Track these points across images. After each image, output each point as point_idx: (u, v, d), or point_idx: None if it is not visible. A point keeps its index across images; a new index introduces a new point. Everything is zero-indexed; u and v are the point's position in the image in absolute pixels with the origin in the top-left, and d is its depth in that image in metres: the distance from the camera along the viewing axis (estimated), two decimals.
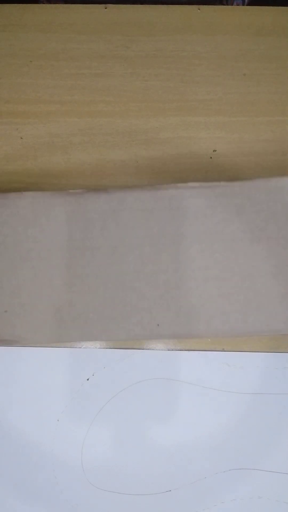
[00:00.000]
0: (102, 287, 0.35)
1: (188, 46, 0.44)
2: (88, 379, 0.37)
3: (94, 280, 0.35)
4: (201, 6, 0.46)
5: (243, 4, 0.56)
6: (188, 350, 0.37)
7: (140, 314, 0.34)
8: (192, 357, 0.37)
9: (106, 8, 0.45)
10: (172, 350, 0.38)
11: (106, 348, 0.38)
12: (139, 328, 0.34)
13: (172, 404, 0.37)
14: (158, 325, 0.34)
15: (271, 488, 0.36)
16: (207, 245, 0.35)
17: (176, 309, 0.34)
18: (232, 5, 0.56)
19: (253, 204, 0.34)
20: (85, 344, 0.38)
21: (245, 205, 0.35)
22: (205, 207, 0.35)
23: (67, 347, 0.37)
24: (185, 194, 0.35)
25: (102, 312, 0.34)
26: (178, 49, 0.44)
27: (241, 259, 0.34)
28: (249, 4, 0.51)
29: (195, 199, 0.35)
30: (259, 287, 0.34)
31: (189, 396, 0.37)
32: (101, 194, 0.35)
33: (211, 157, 0.42)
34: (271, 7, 0.46)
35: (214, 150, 0.42)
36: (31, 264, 0.35)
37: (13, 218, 0.35)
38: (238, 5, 0.56)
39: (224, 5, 0.52)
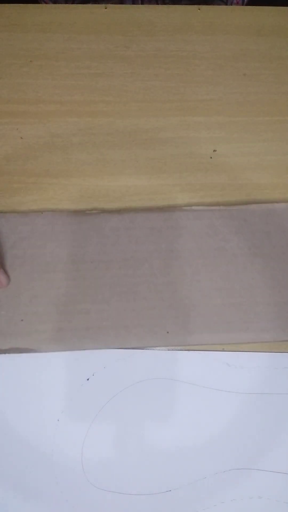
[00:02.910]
0: (115, 297, 0.37)
1: (188, 46, 0.44)
2: (88, 379, 0.37)
3: (107, 291, 0.38)
4: (201, 6, 0.46)
5: (243, 4, 0.56)
6: (188, 350, 0.37)
7: (151, 323, 0.37)
8: (192, 357, 0.37)
9: (106, 8, 0.45)
10: (172, 350, 0.38)
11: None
12: (150, 335, 0.37)
13: (172, 404, 0.37)
14: (167, 332, 0.37)
15: (271, 488, 0.36)
16: (210, 260, 0.39)
17: (184, 317, 0.37)
18: (232, 5, 0.56)
19: (249, 225, 0.40)
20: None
21: (242, 226, 0.39)
22: (207, 227, 0.39)
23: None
24: (189, 215, 0.40)
25: (115, 321, 0.37)
26: (178, 49, 0.44)
27: (241, 272, 0.38)
28: (249, 4, 0.51)
29: (198, 220, 0.40)
30: (258, 297, 0.38)
31: (189, 396, 0.37)
32: (114, 214, 0.40)
33: (211, 157, 0.42)
34: (271, 7, 0.46)
35: (214, 150, 0.42)
36: (47, 276, 0.38)
37: (33, 235, 0.39)
38: (238, 5, 0.56)
39: (224, 5, 0.52)
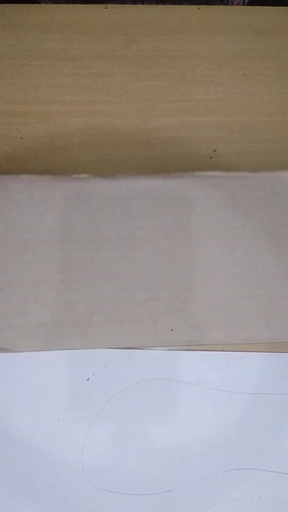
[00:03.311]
0: (108, 286, 0.31)
1: (188, 46, 0.44)
2: (88, 379, 0.37)
3: (99, 277, 0.31)
4: (201, 6, 0.46)
5: (243, 4, 0.56)
6: (188, 350, 0.37)
7: (152, 318, 0.31)
8: (192, 357, 0.37)
9: (106, 8, 0.45)
10: (172, 350, 0.38)
11: (106, 348, 0.38)
12: (151, 333, 0.31)
13: (172, 404, 0.37)
14: (172, 329, 0.31)
15: (271, 488, 0.36)
16: (227, 241, 0.31)
17: (193, 312, 0.31)
18: (232, 5, 0.56)
19: (278, 198, 0.32)
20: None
21: (268, 198, 0.32)
22: (225, 199, 0.31)
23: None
24: (203, 184, 0.32)
25: (108, 315, 0.31)
26: (178, 49, 0.44)
27: (265, 257, 0.31)
28: (249, 4, 0.51)
29: (214, 190, 0.32)
30: (283, 288, 0.31)
31: (189, 396, 0.37)
32: (110, 180, 0.32)
33: (211, 157, 0.42)
34: (271, 7, 0.46)
35: (214, 150, 0.42)
36: (25, 258, 0.31)
37: (6, 204, 0.31)
38: (238, 5, 0.56)
39: (224, 5, 0.52)
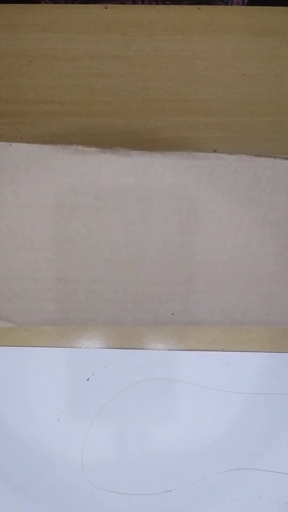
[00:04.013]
0: (113, 266, 0.29)
1: (188, 46, 0.44)
2: (88, 379, 0.37)
3: (104, 258, 0.29)
4: (201, 6, 0.46)
5: (243, 4, 0.56)
6: (188, 350, 0.37)
7: (154, 299, 0.30)
8: (192, 357, 0.37)
9: (106, 8, 0.45)
10: (172, 350, 0.38)
11: (106, 348, 0.38)
12: (150, 316, 0.30)
13: (172, 404, 0.37)
14: (172, 314, 0.30)
15: (271, 488, 0.36)
16: (241, 217, 0.29)
17: (195, 295, 0.29)
18: (232, 5, 0.56)
19: None
20: (85, 344, 0.38)
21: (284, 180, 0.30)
22: (250, 180, 0.29)
23: (67, 347, 0.37)
24: (229, 167, 0.30)
25: (111, 293, 0.29)
26: (178, 49, 0.44)
27: (268, 243, 0.30)
28: (249, 4, 0.51)
29: (239, 174, 0.30)
30: (285, 276, 0.30)
31: (189, 396, 0.37)
32: (121, 156, 0.29)
33: None
34: (271, 7, 0.46)
35: (214, 150, 0.42)
36: (23, 223, 0.28)
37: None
38: (238, 5, 0.56)
39: (224, 5, 0.52)
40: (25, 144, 0.29)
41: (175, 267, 0.30)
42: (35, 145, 0.30)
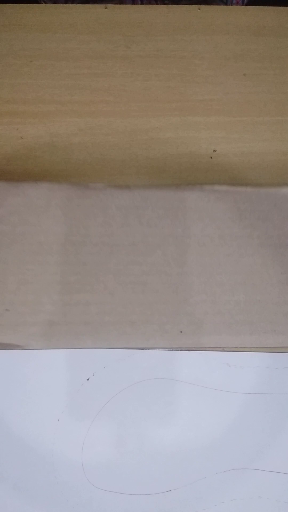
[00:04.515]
0: (120, 288, 0.32)
1: (188, 46, 0.44)
2: (88, 379, 0.37)
3: (111, 280, 0.32)
4: (201, 6, 0.46)
5: (243, 4, 0.56)
6: (188, 350, 0.37)
7: (162, 320, 0.32)
8: (192, 357, 0.37)
9: (106, 8, 0.45)
10: (172, 350, 0.38)
11: (106, 348, 0.38)
12: (160, 334, 0.32)
13: (172, 404, 0.37)
14: (181, 331, 0.32)
15: (271, 488, 0.36)
16: (234, 249, 0.33)
17: (201, 315, 0.32)
18: (232, 5, 0.56)
19: (280, 211, 0.34)
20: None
21: (272, 211, 0.34)
22: (231, 211, 0.34)
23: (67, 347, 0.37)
24: (211, 196, 0.34)
25: (119, 316, 0.32)
26: (178, 49, 0.44)
27: (269, 265, 0.33)
28: (249, 4, 0.51)
29: (221, 203, 0.34)
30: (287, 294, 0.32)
31: (189, 396, 0.37)
32: (124, 190, 0.33)
33: (211, 157, 0.42)
34: (271, 7, 0.46)
35: (214, 150, 0.42)
36: (41, 259, 0.32)
37: (25, 209, 0.33)
38: (238, 5, 0.56)
39: (224, 5, 0.52)
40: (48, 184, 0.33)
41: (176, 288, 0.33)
42: (56, 185, 0.33)
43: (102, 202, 0.33)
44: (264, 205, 0.34)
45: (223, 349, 0.37)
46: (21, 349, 0.32)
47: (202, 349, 0.36)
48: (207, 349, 0.37)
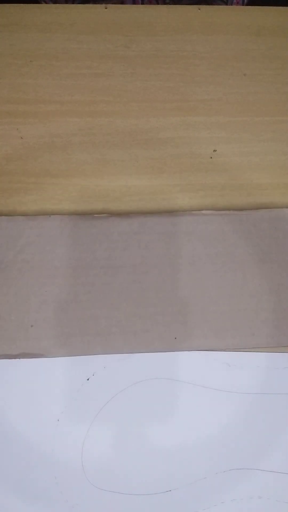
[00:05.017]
0: (124, 303, 0.37)
1: (188, 46, 0.44)
2: (88, 379, 0.37)
3: (116, 297, 0.37)
4: (201, 6, 0.46)
5: (243, 4, 0.56)
6: (188, 350, 0.37)
7: (159, 329, 0.37)
8: (192, 357, 0.37)
9: (106, 8, 0.45)
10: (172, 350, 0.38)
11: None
12: (158, 341, 0.37)
13: (172, 404, 0.37)
14: (175, 338, 0.37)
15: (271, 488, 0.36)
16: (219, 266, 0.38)
17: (192, 324, 0.37)
18: (232, 5, 0.56)
19: (258, 231, 0.39)
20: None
21: (251, 231, 0.39)
22: (216, 233, 0.39)
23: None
24: (199, 220, 0.39)
25: (123, 326, 0.37)
26: (178, 49, 0.44)
27: (249, 279, 0.38)
28: (249, 4, 0.51)
29: (208, 225, 0.39)
30: (265, 303, 0.38)
31: (189, 396, 0.37)
32: (124, 218, 0.39)
33: (211, 157, 0.42)
34: (271, 7, 0.46)
35: (214, 150, 0.42)
36: (57, 282, 0.38)
37: (41, 239, 0.38)
38: (238, 5, 0.56)
39: (224, 5, 0.52)
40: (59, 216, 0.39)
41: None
42: (66, 217, 0.39)
43: (106, 230, 0.39)
44: (245, 226, 0.39)
45: (223, 349, 0.37)
46: (43, 357, 0.36)
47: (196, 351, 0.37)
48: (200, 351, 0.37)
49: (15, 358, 0.36)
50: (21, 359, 0.36)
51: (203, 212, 0.39)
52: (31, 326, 0.37)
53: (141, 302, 0.37)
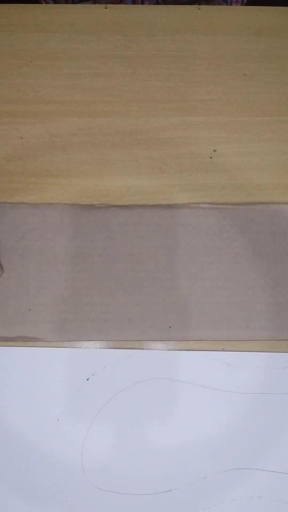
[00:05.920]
0: (121, 291, 0.38)
1: (188, 46, 0.44)
2: (88, 379, 0.37)
3: (113, 284, 0.38)
4: (201, 6, 0.46)
5: (242, 4, 0.56)
6: (188, 350, 0.37)
7: (154, 317, 0.37)
8: (192, 357, 0.37)
9: (106, 8, 0.45)
10: (172, 350, 0.38)
11: (106, 348, 0.38)
12: (153, 329, 0.37)
13: (172, 404, 0.37)
14: (170, 327, 0.37)
15: (271, 488, 0.36)
16: (215, 258, 0.39)
17: (187, 313, 0.38)
18: (232, 5, 0.56)
19: (255, 225, 0.40)
20: (85, 344, 0.38)
21: (248, 225, 0.39)
22: (214, 225, 0.39)
23: (67, 347, 0.37)
24: (196, 213, 0.40)
25: (119, 314, 0.37)
26: (178, 49, 0.44)
27: (245, 271, 0.39)
28: (249, 4, 0.51)
29: (205, 218, 0.40)
30: (259, 296, 0.38)
31: (189, 396, 0.37)
32: (123, 209, 0.40)
33: (211, 157, 0.42)
34: (271, 7, 0.46)
35: (214, 150, 0.42)
36: (56, 268, 0.38)
37: (43, 226, 0.39)
38: (238, 5, 0.56)
39: (224, 3, 0.52)
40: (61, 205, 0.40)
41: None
42: (67, 205, 0.40)
43: (105, 219, 0.39)
44: (242, 220, 0.40)
45: (223, 348, 0.37)
46: (40, 341, 0.37)
47: (197, 347, 0.38)
48: (206, 348, 0.37)
49: (12, 341, 0.37)
50: (18, 341, 0.37)
51: (201, 205, 0.40)
52: (29, 310, 0.37)
53: (137, 291, 0.38)
